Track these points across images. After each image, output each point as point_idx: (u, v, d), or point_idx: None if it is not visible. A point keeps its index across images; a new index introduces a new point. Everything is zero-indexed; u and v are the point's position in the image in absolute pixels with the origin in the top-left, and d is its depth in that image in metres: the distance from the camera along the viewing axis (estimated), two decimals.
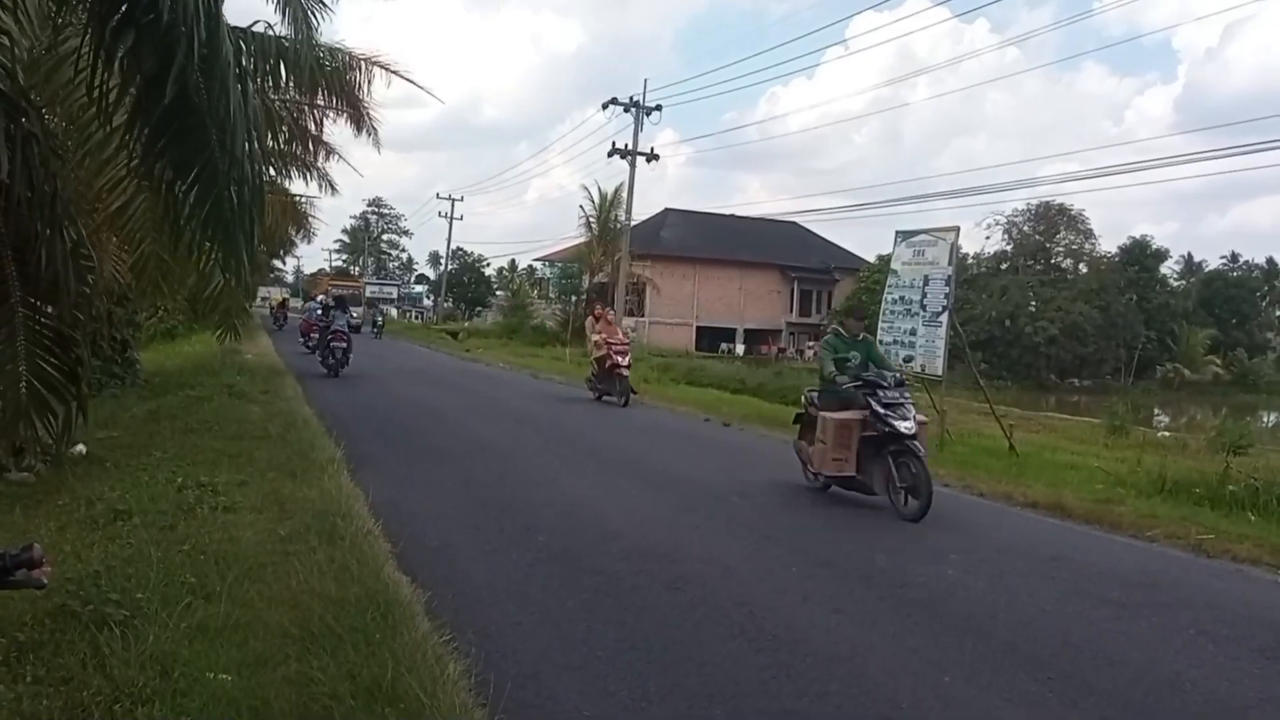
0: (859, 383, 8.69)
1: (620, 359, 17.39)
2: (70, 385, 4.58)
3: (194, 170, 3.75)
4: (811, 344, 53.69)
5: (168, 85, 3.33)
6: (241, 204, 3.83)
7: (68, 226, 4.40)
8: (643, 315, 49.72)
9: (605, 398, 17.68)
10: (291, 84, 9.28)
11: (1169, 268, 60.40)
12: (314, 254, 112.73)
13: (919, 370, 13.59)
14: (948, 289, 12.99)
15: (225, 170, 3.69)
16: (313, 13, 8.02)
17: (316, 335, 22.96)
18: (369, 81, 10.78)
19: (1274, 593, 6.57)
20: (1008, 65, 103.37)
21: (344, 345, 20.43)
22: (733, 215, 56.79)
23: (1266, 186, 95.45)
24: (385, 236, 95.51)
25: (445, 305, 71.42)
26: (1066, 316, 48.24)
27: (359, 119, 12.63)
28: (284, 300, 58.27)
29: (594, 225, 41.98)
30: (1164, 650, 5.15)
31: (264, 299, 56.76)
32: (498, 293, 75.88)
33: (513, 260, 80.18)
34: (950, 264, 13.10)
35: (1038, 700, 4.38)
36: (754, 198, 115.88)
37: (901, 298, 13.82)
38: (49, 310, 4.51)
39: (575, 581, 5.95)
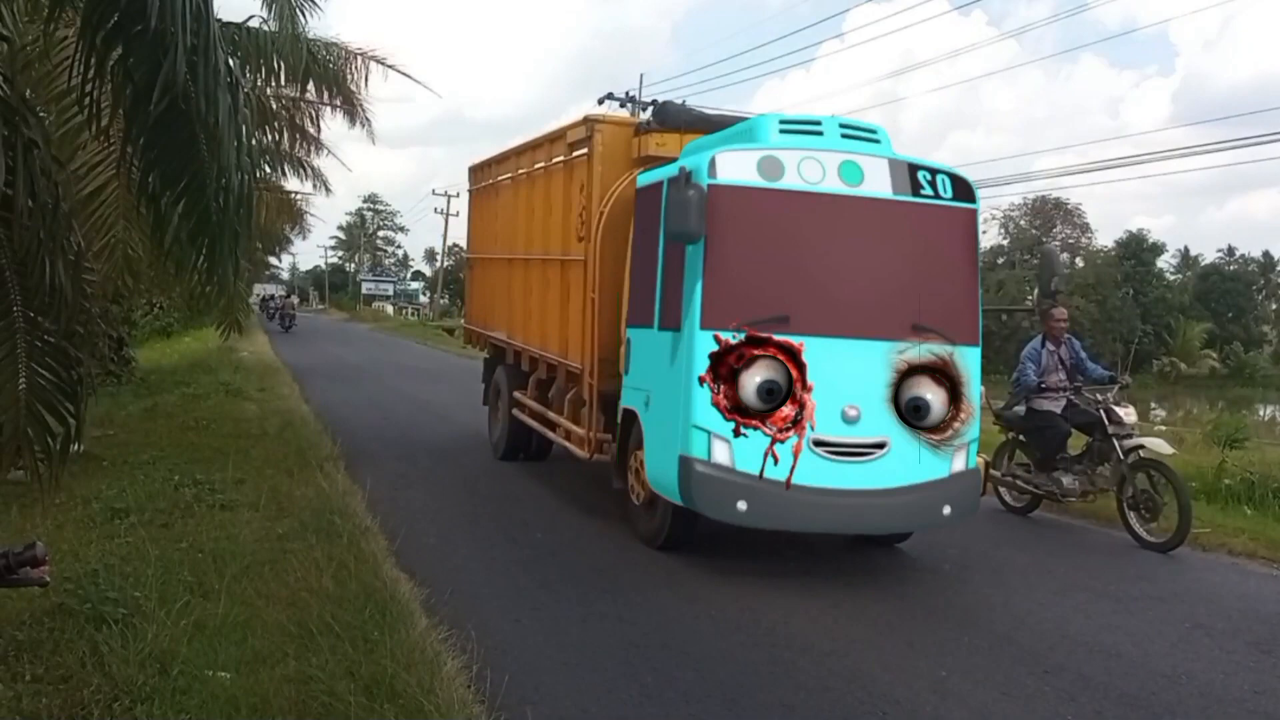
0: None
1: None
2: (69, 403, 4.47)
3: (183, 181, 3.73)
4: None
5: (155, 94, 3.32)
6: (228, 214, 3.82)
7: (69, 236, 4.34)
8: None
9: None
10: (285, 80, 9.30)
11: (1165, 261, 60.55)
12: (310, 250, 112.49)
13: None
14: None
15: (214, 179, 3.68)
16: (300, 10, 8.11)
17: None
18: (364, 76, 10.78)
19: (1269, 586, 6.59)
20: (1005, 59, 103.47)
21: None
22: None
23: (1264, 180, 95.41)
24: (381, 233, 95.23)
25: (442, 302, 71.22)
26: None
27: (354, 114, 12.60)
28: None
29: None
30: (1160, 644, 5.16)
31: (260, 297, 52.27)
32: None
33: None
34: None
35: (1034, 694, 4.40)
36: None
37: None
38: (49, 324, 4.40)
39: (572, 577, 5.96)
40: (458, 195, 64.86)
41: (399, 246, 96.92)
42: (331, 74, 10.18)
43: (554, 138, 8.54)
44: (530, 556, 6.42)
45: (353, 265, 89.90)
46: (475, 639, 4.48)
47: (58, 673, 3.78)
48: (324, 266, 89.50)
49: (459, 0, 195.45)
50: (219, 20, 4.06)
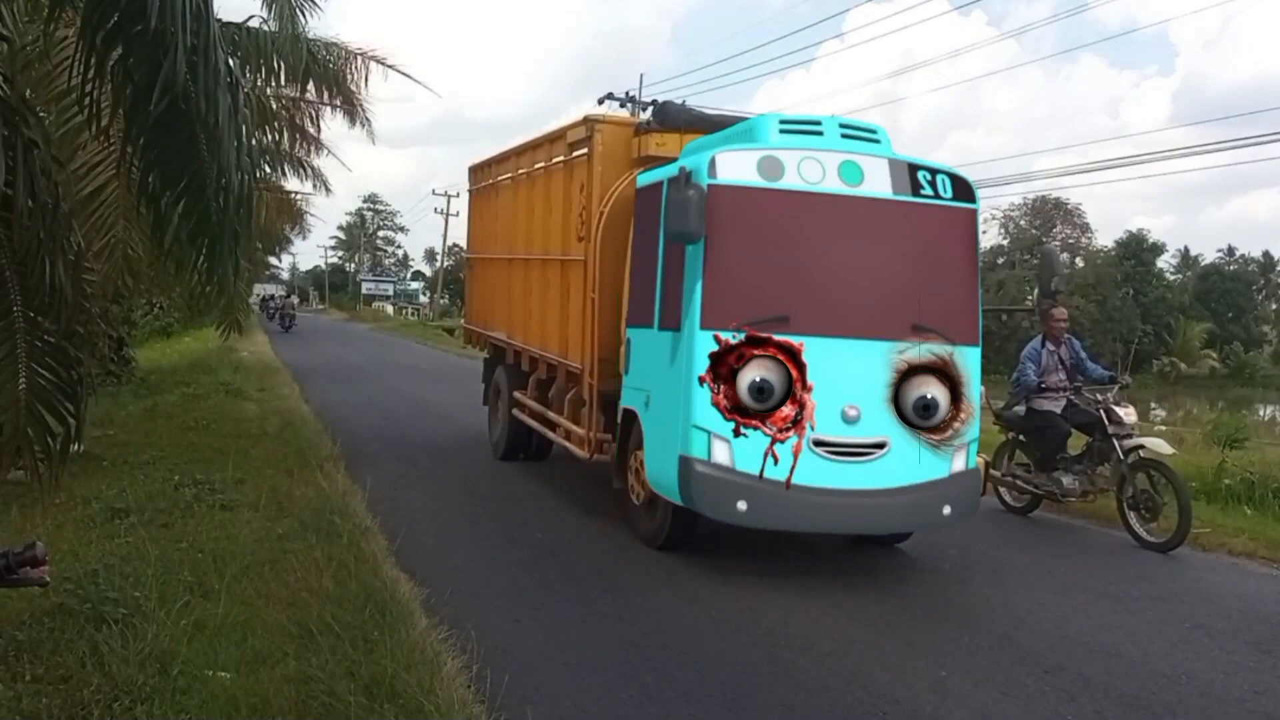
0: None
1: None
2: (69, 403, 4.46)
3: (183, 181, 3.73)
4: None
5: (155, 94, 3.33)
6: (228, 214, 3.82)
7: (69, 236, 4.34)
8: None
9: None
10: (285, 80, 9.33)
11: (1165, 261, 60.56)
12: (310, 250, 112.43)
13: None
14: None
15: (214, 179, 3.68)
16: (300, 10, 8.13)
17: None
18: (364, 76, 10.78)
19: (1269, 586, 6.59)
20: (1005, 59, 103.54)
21: None
22: None
23: (1264, 180, 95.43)
24: (381, 233, 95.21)
25: (442, 302, 71.21)
26: None
27: (354, 114, 12.61)
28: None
29: None
30: (1160, 644, 5.16)
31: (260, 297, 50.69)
32: None
33: None
34: None
35: (1034, 694, 4.40)
36: None
37: None
38: (49, 324, 4.39)
39: (572, 577, 5.96)
40: (458, 195, 64.54)
41: (399, 246, 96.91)
42: (331, 74, 10.18)
43: (554, 138, 8.51)
44: (530, 556, 6.42)
45: (353, 265, 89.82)
46: (475, 639, 4.48)
47: (58, 673, 3.78)
48: (324, 266, 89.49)
49: (459, 0, 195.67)
50: (219, 20, 4.06)
